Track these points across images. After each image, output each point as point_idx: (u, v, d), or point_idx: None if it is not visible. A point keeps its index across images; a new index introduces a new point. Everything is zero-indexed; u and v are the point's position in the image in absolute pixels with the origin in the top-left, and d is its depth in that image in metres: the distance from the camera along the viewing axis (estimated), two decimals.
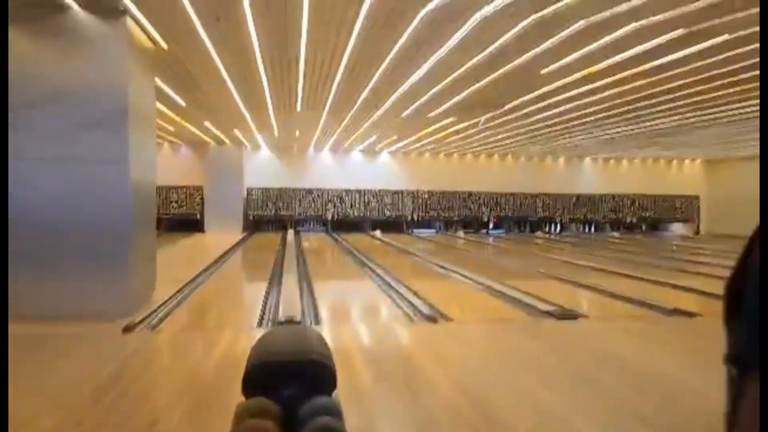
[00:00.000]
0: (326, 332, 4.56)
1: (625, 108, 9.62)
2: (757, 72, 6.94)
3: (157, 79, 6.87)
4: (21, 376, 3.32)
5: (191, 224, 16.36)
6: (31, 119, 4.79)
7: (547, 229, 19.23)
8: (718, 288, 0.74)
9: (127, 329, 4.56)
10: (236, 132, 13.89)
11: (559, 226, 19.27)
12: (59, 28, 4.78)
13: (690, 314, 5.37)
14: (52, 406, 2.95)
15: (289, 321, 4.89)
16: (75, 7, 4.74)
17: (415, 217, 18.45)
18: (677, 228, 19.91)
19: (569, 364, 3.85)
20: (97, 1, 4.64)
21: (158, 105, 8.57)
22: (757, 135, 12.37)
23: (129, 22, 5.01)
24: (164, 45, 6.04)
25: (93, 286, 4.91)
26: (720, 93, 8.35)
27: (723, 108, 9.61)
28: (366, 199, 18.11)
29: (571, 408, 3.01)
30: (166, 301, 5.70)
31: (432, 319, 5.11)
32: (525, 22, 5.32)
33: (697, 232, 19.50)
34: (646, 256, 11.61)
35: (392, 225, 18.03)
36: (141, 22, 5.23)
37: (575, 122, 11.29)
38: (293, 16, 5.16)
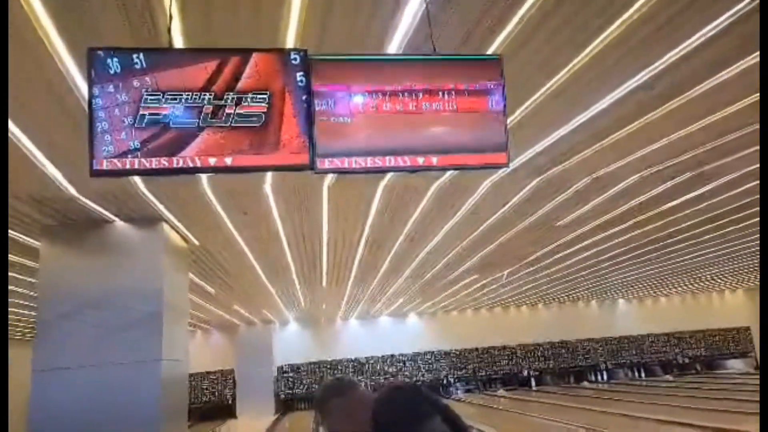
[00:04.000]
0: None
1: (649, 248, 9.62)
2: None
3: (189, 273, 7.17)
4: None
5: (223, 410, 15.84)
6: (63, 330, 4.87)
7: (593, 378, 18.02)
8: None
9: None
10: (265, 311, 14.04)
11: (605, 373, 18.08)
12: (102, 241, 5.14)
13: None
14: None
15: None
16: (117, 221, 5.17)
17: (451, 379, 17.59)
18: (735, 364, 18.47)
19: None
20: (138, 214, 5.07)
21: (191, 296, 8.83)
22: None
23: (165, 227, 5.39)
24: (196, 242, 6.43)
25: None
26: (738, 226, 8.38)
27: (743, 241, 9.57)
28: (397, 365, 17.48)
29: None
30: None
31: None
32: (532, 184, 5.60)
33: (757, 367, 18.00)
34: (710, 400, 10.67)
35: (428, 389, 17.10)
36: (176, 225, 5.64)
37: (599, 266, 11.23)
38: (314, 204, 5.53)
